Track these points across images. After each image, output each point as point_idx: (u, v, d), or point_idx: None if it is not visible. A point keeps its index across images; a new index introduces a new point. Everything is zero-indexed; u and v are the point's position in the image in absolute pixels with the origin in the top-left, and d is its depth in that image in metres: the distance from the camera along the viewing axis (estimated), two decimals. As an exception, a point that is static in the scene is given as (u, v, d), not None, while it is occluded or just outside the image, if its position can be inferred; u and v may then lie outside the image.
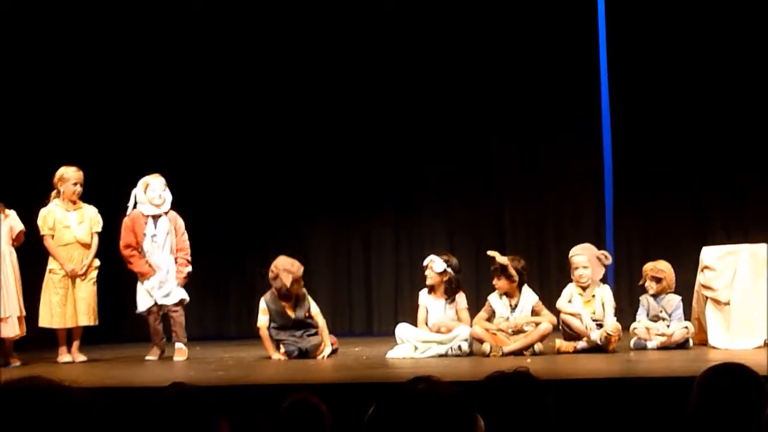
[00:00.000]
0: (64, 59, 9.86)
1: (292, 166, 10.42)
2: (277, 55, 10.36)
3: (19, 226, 7.85)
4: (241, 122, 10.45)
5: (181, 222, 8.08)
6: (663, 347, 7.53)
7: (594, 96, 9.82)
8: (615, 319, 7.58)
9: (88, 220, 7.99)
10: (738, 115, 9.83)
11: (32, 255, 7.95)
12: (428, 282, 7.84)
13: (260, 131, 10.45)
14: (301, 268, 7.80)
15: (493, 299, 7.76)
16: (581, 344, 7.50)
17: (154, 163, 8.46)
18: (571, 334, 7.60)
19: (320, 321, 7.89)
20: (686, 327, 7.65)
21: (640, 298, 7.96)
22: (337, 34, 10.33)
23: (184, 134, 10.33)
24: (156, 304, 7.94)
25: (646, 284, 7.88)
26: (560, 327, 7.67)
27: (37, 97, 9.63)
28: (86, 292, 7.90)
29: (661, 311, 7.76)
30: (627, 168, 9.97)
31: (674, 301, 7.80)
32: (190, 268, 8.05)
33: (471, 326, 7.62)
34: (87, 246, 7.95)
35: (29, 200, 8.04)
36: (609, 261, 7.87)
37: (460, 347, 7.52)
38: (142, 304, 7.96)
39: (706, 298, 7.68)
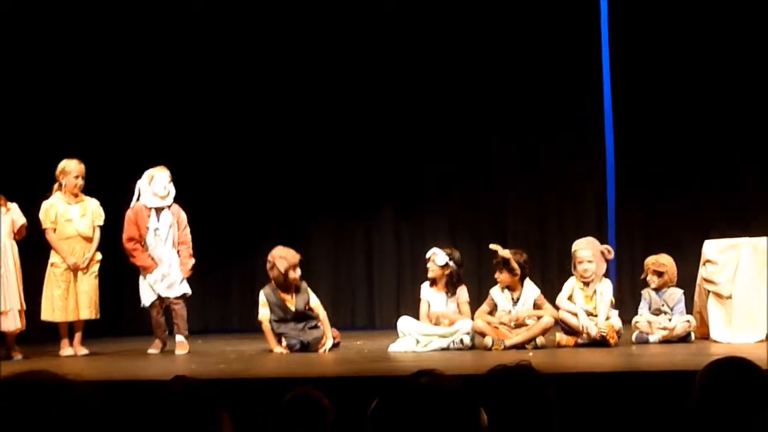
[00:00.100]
0: (67, 52, 9.86)
1: (294, 160, 10.43)
2: (279, 50, 10.36)
3: (21, 220, 7.84)
4: (244, 117, 10.45)
5: (183, 215, 8.08)
6: (665, 341, 7.53)
7: (596, 92, 9.77)
8: (609, 316, 7.55)
9: (90, 214, 7.99)
10: (738, 110, 9.83)
11: (34, 248, 7.95)
12: (430, 275, 7.84)
13: (263, 125, 10.46)
14: (297, 256, 7.81)
15: (495, 293, 7.76)
16: (582, 338, 7.50)
17: (156, 157, 8.46)
18: (570, 330, 7.60)
19: (321, 313, 7.89)
20: (688, 321, 7.65)
21: (642, 291, 7.95)
22: (338, 29, 10.32)
23: (186, 128, 10.33)
24: (159, 297, 7.94)
25: (648, 278, 7.88)
26: (559, 323, 7.66)
27: (39, 91, 9.64)
28: (88, 285, 7.90)
29: (662, 305, 7.76)
30: (629, 162, 9.95)
31: (676, 294, 7.80)
32: (194, 261, 8.06)
33: (472, 319, 7.62)
34: (89, 239, 7.95)
35: (31, 193, 8.04)
36: (611, 256, 7.86)
37: (462, 341, 7.52)
38: (146, 298, 7.96)
39: (708, 291, 7.68)
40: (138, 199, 7.98)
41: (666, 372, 5.62)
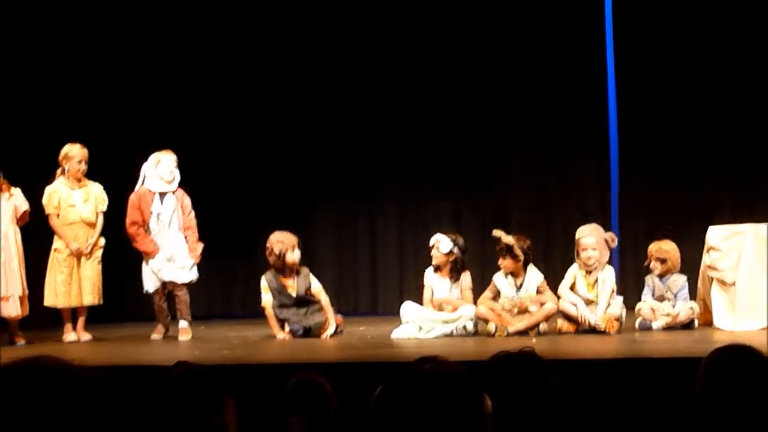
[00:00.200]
0: (71, 36, 9.84)
1: (297, 145, 10.41)
2: (283, 40, 10.33)
3: (24, 205, 7.84)
4: (248, 104, 10.42)
5: (188, 200, 8.07)
6: (668, 328, 7.53)
7: (601, 79, 9.78)
8: (610, 303, 7.53)
9: (93, 199, 7.98)
10: (742, 96, 9.79)
11: (37, 234, 7.95)
12: (434, 261, 7.84)
13: (266, 112, 10.43)
14: (294, 238, 7.84)
15: (498, 279, 7.76)
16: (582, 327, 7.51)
17: (159, 141, 8.45)
18: (571, 318, 7.60)
19: (323, 298, 7.90)
20: (691, 307, 7.65)
21: (646, 278, 7.95)
22: (339, 16, 10.30)
23: (189, 114, 10.30)
24: (162, 283, 7.93)
25: (651, 265, 7.87)
26: (559, 312, 7.64)
27: (42, 75, 9.62)
28: (91, 271, 7.90)
29: (666, 291, 7.76)
30: (632, 148, 9.95)
31: (680, 281, 7.79)
32: (202, 246, 8.06)
33: (475, 306, 7.63)
34: (92, 225, 7.95)
35: (34, 178, 8.04)
36: (615, 244, 7.84)
37: (465, 327, 7.53)
38: (149, 283, 7.95)
39: (712, 278, 7.67)
40: (143, 183, 7.97)
41: (669, 359, 5.62)
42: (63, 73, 9.78)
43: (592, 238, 7.67)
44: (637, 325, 7.64)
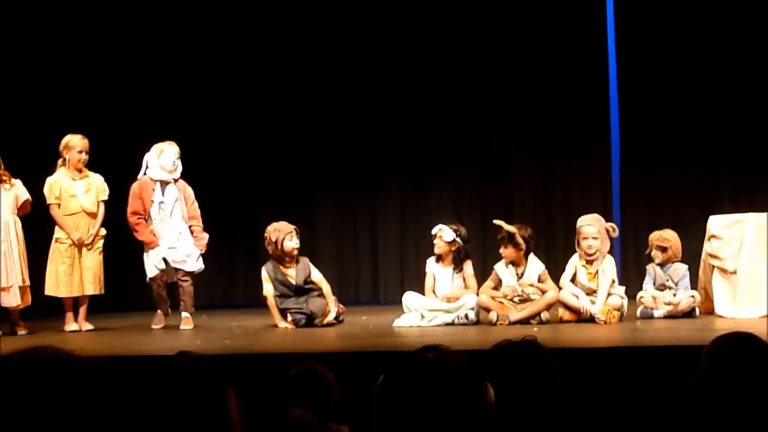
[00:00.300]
0: (71, 27, 9.83)
1: (299, 135, 10.42)
2: (285, 28, 10.34)
3: (25, 196, 7.84)
4: (250, 94, 10.42)
5: (190, 190, 8.07)
6: (669, 316, 7.53)
7: (602, 69, 9.78)
8: (611, 293, 7.53)
9: (94, 189, 7.98)
10: (743, 87, 9.79)
11: (39, 224, 7.95)
12: (436, 251, 7.84)
13: (269, 103, 10.43)
14: (291, 227, 7.85)
15: (500, 268, 7.76)
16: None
17: (160, 133, 8.45)
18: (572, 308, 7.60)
19: (325, 287, 7.90)
20: (693, 296, 7.65)
21: (647, 266, 7.95)
22: (341, 12, 10.29)
23: (192, 104, 10.32)
24: (162, 271, 7.91)
25: (652, 253, 7.87)
26: (559, 303, 7.63)
27: (42, 66, 9.61)
28: (93, 261, 7.90)
29: (667, 280, 7.75)
30: (633, 137, 9.94)
31: (681, 269, 7.79)
32: (207, 236, 8.06)
33: (477, 294, 7.63)
34: (93, 215, 7.95)
35: (36, 169, 8.03)
36: (616, 233, 7.84)
37: (467, 316, 7.53)
38: (149, 271, 7.94)
39: (713, 267, 7.67)
40: (144, 173, 7.96)
41: (670, 347, 5.62)
42: (64, 63, 9.78)
43: (593, 228, 7.66)
44: (638, 313, 7.64)
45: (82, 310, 7.94)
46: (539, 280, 7.68)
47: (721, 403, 2.90)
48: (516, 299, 7.62)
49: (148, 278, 7.97)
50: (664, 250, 7.81)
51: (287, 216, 8.28)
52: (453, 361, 2.10)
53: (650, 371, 5.15)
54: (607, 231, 7.71)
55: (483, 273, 8.10)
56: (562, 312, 7.60)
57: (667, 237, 7.85)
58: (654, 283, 7.79)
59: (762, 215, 7.68)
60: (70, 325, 7.85)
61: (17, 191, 7.82)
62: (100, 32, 10.03)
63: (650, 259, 7.91)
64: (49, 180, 7.89)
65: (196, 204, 8.08)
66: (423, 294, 7.80)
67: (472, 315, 7.55)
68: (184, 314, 7.92)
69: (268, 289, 7.81)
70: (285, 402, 3.67)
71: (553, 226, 10.17)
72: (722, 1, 9.82)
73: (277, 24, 10.34)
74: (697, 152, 9.97)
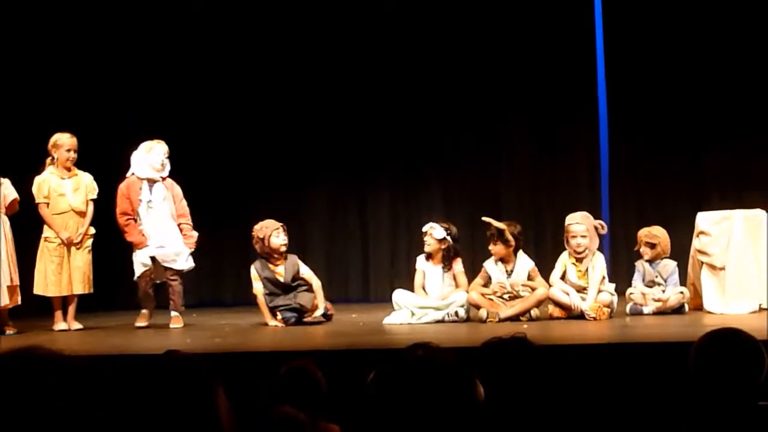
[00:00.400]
0: (59, 25, 9.78)
1: (288, 131, 10.40)
2: (275, 23, 10.30)
3: (13, 195, 7.81)
4: (240, 92, 10.40)
5: (178, 189, 8.05)
6: (659, 312, 7.55)
7: (589, 65, 9.77)
8: (602, 290, 7.55)
9: (83, 188, 7.96)
10: (731, 83, 9.81)
11: (27, 223, 7.93)
12: (427, 249, 7.85)
13: (258, 100, 10.41)
14: (278, 224, 7.86)
15: (489, 265, 7.77)
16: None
17: (150, 129, 8.43)
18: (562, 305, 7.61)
19: (315, 283, 7.90)
20: (682, 292, 7.67)
21: (636, 263, 7.96)
22: (331, 7, 10.27)
23: (182, 103, 10.28)
24: (149, 269, 7.88)
25: (641, 250, 7.88)
26: (550, 300, 7.65)
27: (31, 64, 9.57)
28: (81, 260, 7.88)
29: (656, 276, 7.77)
30: (622, 134, 9.95)
31: (670, 266, 7.81)
32: (197, 234, 8.04)
33: (467, 291, 7.63)
34: (82, 214, 7.92)
35: (24, 168, 8.01)
36: (605, 231, 7.85)
37: (456, 313, 7.54)
38: (137, 270, 7.91)
39: (702, 263, 7.69)
40: (132, 173, 7.93)
41: (660, 343, 5.65)
42: (52, 62, 9.73)
43: (582, 226, 7.67)
44: (628, 310, 7.66)
45: (71, 310, 7.92)
46: (529, 277, 7.69)
47: (711, 398, 2.91)
48: (506, 296, 7.63)
49: (135, 276, 7.94)
50: (652, 246, 7.82)
51: (277, 213, 8.28)
52: (442, 358, 2.11)
53: (640, 367, 5.16)
54: (596, 228, 7.72)
55: (472, 270, 8.11)
56: (552, 309, 7.62)
57: (655, 233, 7.87)
58: (643, 280, 7.81)
59: (751, 211, 7.72)
60: (59, 325, 7.83)
61: (5, 190, 7.79)
62: (88, 30, 9.99)
63: (639, 256, 7.93)
64: (37, 179, 7.86)
65: (184, 202, 8.06)
66: (413, 291, 7.81)
67: (462, 312, 7.56)
68: (174, 313, 7.90)
69: (258, 288, 7.81)
70: (275, 400, 3.67)
71: (542, 223, 10.18)
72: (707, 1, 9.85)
73: (267, 22, 10.32)
74: (685, 149, 9.99)
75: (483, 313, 7.47)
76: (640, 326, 6.97)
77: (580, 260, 7.67)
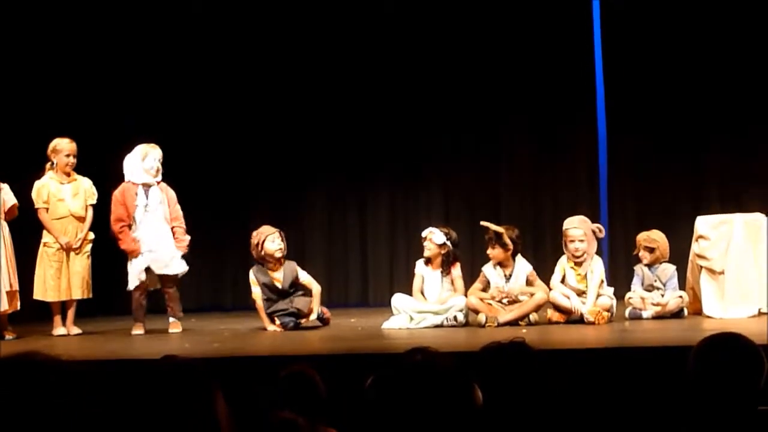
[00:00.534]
0: (58, 31, 9.78)
1: (287, 135, 10.40)
2: (272, 23, 10.30)
3: (12, 200, 7.81)
4: (238, 94, 10.39)
5: (172, 193, 8.05)
6: (658, 317, 7.54)
7: (588, 70, 9.79)
8: (601, 294, 7.55)
9: (82, 193, 7.96)
10: (730, 86, 9.82)
11: (27, 228, 7.92)
12: (426, 253, 7.85)
13: (257, 103, 10.41)
14: (274, 229, 7.86)
15: (488, 270, 7.77)
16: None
17: (149, 130, 8.42)
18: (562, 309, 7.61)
19: (314, 288, 7.90)
20: (681, 296, 7.66)
21: (635, 267, 7.96)
22: (329, 8, 10.28)
23: (180, 105, 10.28)
24: (144, 281, 7.86)
25: (640, 254, 7.88)
26: (549, 303, 7.64)
27: (30, 69, 9.56)
28: (81, 265, 7.88)
29: (655, 281, 7.77)
30: (621, 139, 9.96)
31: (669, 270, 7.80)
32: (189, 238, 8.02)
33: (465, 295, 7.63)
34: (81, 219, 7.93)
35: (24, 173, 8.01)
36: (603, 234, 7.85)
37: (455, 318, 7.54)
38: (131, 281, 7.89)
39: (701, 267, 7.69)
40: (127, 179, 7.90)
41: (659, 347, 5.64)
42: (51, 67, 9.72)
43: (579, 230, 7.67)
44: (627, 314, 7.65)
45: (70, 315, 7.92)
46: (527, 281, 7.69)
47: (710, 402, 2.91)
48: (504, 301, 7.63)
49: (131, 287, 7.89)
50: (651, 250, 7.82)
51: (276, 218, 8.28)
52: (441, 363, 2.11)
53: (639, 372, 5.16)
54: (594, 232, 7.72)
55: (471, 275, 8.11)
56: (551, 313, 7.61)
57: (654, 238, 7.87)
58: (642, 284, 7.81)
59: (750, 215, 7.72)
60: (58, 330, 7.83)
61: (5, 195, 7.79)
62: (88, 34, 9.97)
63: (638, 260, 7.92)
64: (37, 184, 7.87)
65: (178, 206, 8.06)
66: (411, 296, 7.81)
67: (460, 317, 7.56)
68: (172, 319, 7.90)
69: (257, 293, 7.81)
70: (274, 405, 3.67)
71: (541, 225, 10.18)
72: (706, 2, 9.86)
73: (267, 23, 10.29)
74: (684, 148, 9.99)
75: (482, 317, 7.46)
76: (639, 330, 6.96)
77: (578, 264, 7.67)
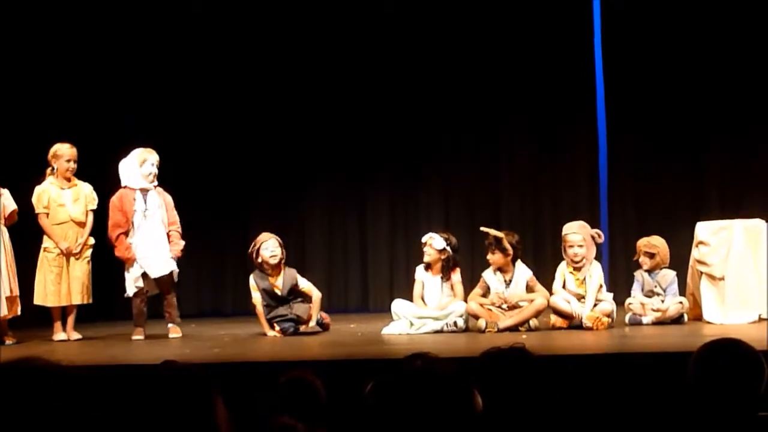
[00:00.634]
0: (57, 37, 9.78)
1: (287, 142, 10.40)
2: (270, 24, 10.30)
3: (12, 206, 7.81)
4: (238, 98, 10.41)
5: (169, 197, 8.05)
6: (658, 322, 7.54)
7: (589, 74, 9.79)
8: (602, 299, 7.56)
9: (83, 198, 7.97)
10: (731, 92, 9.83)
11: (27, 233, 7.93)
12: (426, 259, 7.85)
13: (257, 107, 10.42)
14: (271, 236, 7.87)
15: (488, 275, 7.77)
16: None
17: (149, 134, 8.41)
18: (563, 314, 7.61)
19: (314, 295, 7.90)
20: (681, 302, 7.66)
21: (635, 273, 7.96)
22: (329, 10, 10.28)
23: (180, 109, 10.29)
24: (142, 287, 7.84)
25: (640, 260, 7.88)
26: (550, 308, 7.65)
27: (30, 75, 9.57)
28: (81, 270, 7.88)
29: (655, 286, 7.77)
30: (621, 144, 9.96)
31: (669, 276, 7.81)
32: (183, 242, 8.02)
33: (465, 301, 7.64)
34: (82, 224, 7.93)
35: (25, 178, 8.01)
36: (602, 240, 7.86)
37: (455, 323, 7.53)
38: (129, 288, 7.88)
39: (701, 273, 7.69)
40: (124, 185, 7.89)
41: (659, 353, 5.64)
42: (52, 73, 9.72)
43: (578, 235, 7.69)
44: (627, 320, 7.65)
45: (71, 320, 7.92)
46: (527, 287, 7.70)
47: (710, 408, 2.91)
48: (504, 306, 7.63)
49: (129, 294, 7.87)
50: (652, 256, 7.83)
51: (276, 223, 8.28)
52: (440, 369, 2.11)
53: (639, 378, 5.15)
54: (593, 237, 7.73)
55: (471, 280, 8.11)
56: (554, 319, 7.61)
57: (654, 243, 7.87)
58: (642, 290, 7.81)
59: (750, 221, 7.72)
60: (59, 335, 7.83)
61: (4, 201, 7.79)
62: (87, 38, 9.97)
63: (638, 266, 7.93)
64: (37, 189, 7.87)
65: (175, 210, 8.06)
66: (411, 301, 7.81)
67: (460, 322, 7.56)
68: (171, 324, 7.90)
69: (257, 298, 7.82)
70: (274, 410, 3.67)
71: (541, 229, 10.19)
72: (708, 4, 9.86)
73: (266, 23, 10.29)
74: (684, 149, 10.00)
75: (482, 323, 7.46)
76: (639, 336, 6.96)
77: (578, 269, 7.68)
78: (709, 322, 7.49)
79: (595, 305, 7.56)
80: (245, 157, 10.42)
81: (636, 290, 7.83)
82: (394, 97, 10.30)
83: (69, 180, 7.94)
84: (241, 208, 10.39)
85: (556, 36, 10.07)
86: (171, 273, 7.88)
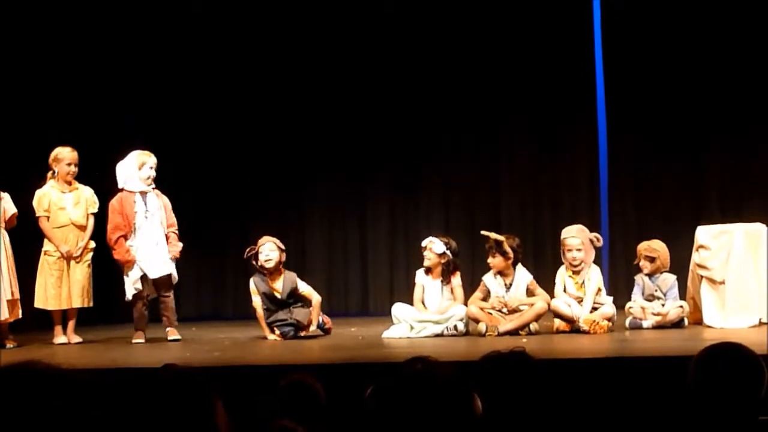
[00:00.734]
0: (58, 40, 9.78)
1: (287, 142, 10.40)
2: (278, 24, 10.30)
3: (12, 209, 7.80)
4: (238, 101, 10.40)
5: (167, 199, 8.04)
6: (658, 326, 7.54)
7: (589, 76, 9.78)
8: (603, 303, 7.57)
9: (83, 202, 7.97)
10: (733, 94, 9.83)
11: (27, 237, 7.93)
12: (426, 263, 7.85)
13: (257, 109, 10.42)
14: (269, 239, 7.85)
15: (488, 279, 7.77)
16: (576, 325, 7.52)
17: (149, 135, 8.41)
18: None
19: (314, 299, 7.89)
20: (681, 306, 7.66)
21: (635, 277, 7.96)
22: (329, 11, 10.29)
23: (179, 113, 10.28)
24: (143, 290, 7.84)
25: (641, 264, 7.88)
26: (551, 311, 7.65)
27: (31, 79, 9.57)
28: (81, 274, 7.89)
29: (656, 290, 7.77)
30: (621, 147, 9.96)
31: (669, 280, 7.81)
32: (181, 244, 8.01)
33: (466, 304, 7.64)
34: (82, 228, 7.93)
35: (25, 182, 8.01)
36: (601, 243, 7.86)
37: (456, 327, 7.53)
38: (129, 292, 7.87)
39: (701, 277, 7.69)
40: (122, 188, 7.88)
41: (659, 357, 5.63)
42: (52, 77, 9.72)
43: (577, 239, 7.70)
44: (627, 324, 7.65)
45: (71, 323, 7.92)
46: (528, 290, 7.70)
47: (711, 412, 2.91)
48: (504, 310, 7.63)
49: (129, 298, 7.86)
50: (652, 260, 7.83)
51: (276, 224, 8.27)
52: (441, 372, 2.11)
53: (639, 382, 5.15)
54: (591, 241, 7.74)
55: (471, 284, 8.11)
56: (558, 323, 7.61)
57: (655, 247, 7.87)
58: (642, 294, 7.81)
59: (751, 225, 7.72)
60: (59, 338, 7.83)
61: (5, 205, 7.79)
62: (86, 38, 9.95)
63: (639, 270, 7.93)
64: (38, 192, 7.88)
65: (172, 212, 8.06)
66: (412, 305, 7.81)
67: (461, 326, 7.56)
68: (169, 328, 7.89)
69: (257, 301, 7.81)
70: (274, 413, 3.67)
71: (541, 230, 10.19)
72: (709, 5, 9.86)
73: (266, 23, 10.27)
74: (684, 153, 10.00)
75: (482, 326, 7.46)
76: (639, 340, 6.96)
77: (576, 273, 7.69)
78: (709, 326, 7.49)
79: (596, 309, 7.56)
80: (245, 157, 10.42)
81: (636, 294, 7.83)
82: (394, 97, 10.31)
83: (70, 183, 7.95)
84: (241, 209, 10.39)
85: (556, 36, 10.07)
86: (170, 275, 7.89)
